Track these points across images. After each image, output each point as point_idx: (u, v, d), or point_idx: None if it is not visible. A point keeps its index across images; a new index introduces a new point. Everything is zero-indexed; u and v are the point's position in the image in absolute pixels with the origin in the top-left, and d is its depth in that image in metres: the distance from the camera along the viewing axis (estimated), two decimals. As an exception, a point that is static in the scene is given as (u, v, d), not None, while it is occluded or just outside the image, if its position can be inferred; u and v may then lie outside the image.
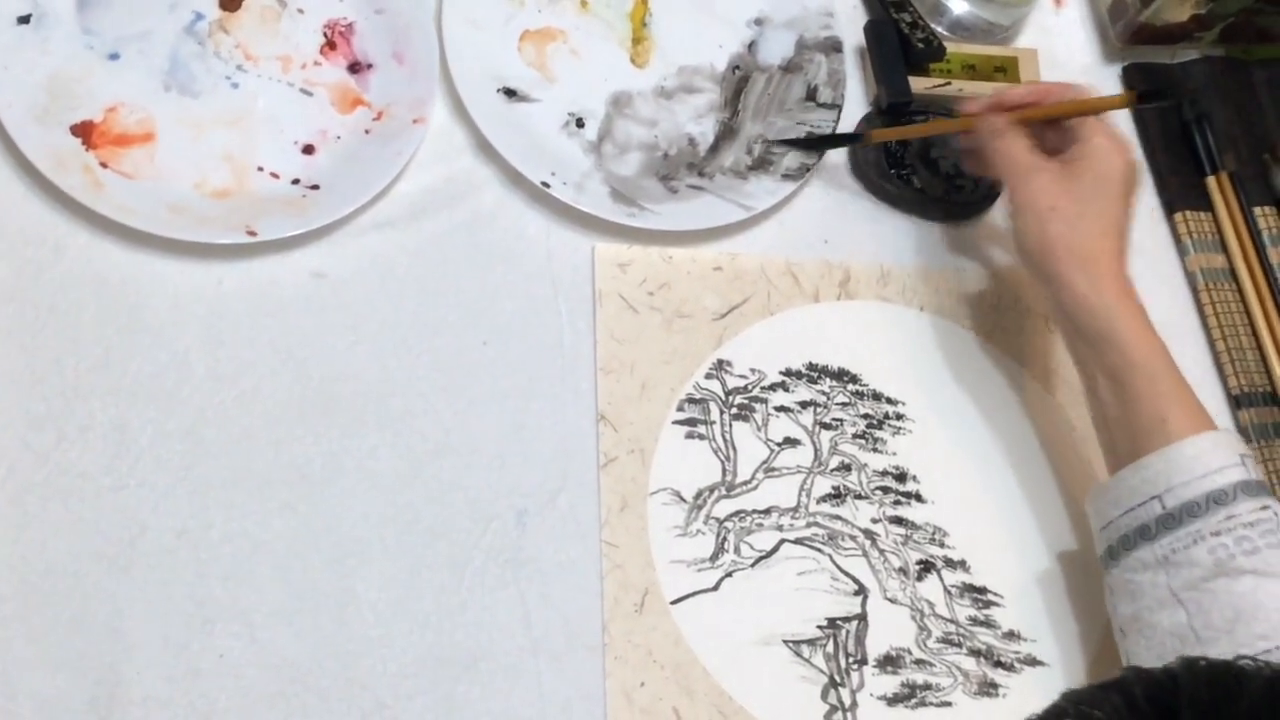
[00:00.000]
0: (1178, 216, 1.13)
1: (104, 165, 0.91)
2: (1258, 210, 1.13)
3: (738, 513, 0.94)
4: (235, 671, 0.82)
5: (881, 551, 0.95)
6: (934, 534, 0.96)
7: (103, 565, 0.82)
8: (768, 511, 0.94)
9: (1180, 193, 1.14)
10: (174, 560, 0.83)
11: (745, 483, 0.95)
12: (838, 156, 1.08)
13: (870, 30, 1.10)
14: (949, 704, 0.92)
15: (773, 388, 0.98)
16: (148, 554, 0.83)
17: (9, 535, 0.82)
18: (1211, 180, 1.14)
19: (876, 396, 1.00)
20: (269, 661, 0.83)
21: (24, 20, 0.93)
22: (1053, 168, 0.93)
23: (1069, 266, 0.90)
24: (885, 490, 0.97)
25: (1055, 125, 0.96)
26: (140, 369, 0.88)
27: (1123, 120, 1.17)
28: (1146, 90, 0.83)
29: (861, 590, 0.94)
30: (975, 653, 0.94)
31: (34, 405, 0.85)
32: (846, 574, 0.94)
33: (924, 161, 1.07)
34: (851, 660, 0.91)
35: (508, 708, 0.85)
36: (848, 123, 1.08)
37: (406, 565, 0.87)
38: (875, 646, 0.92)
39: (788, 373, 0.99)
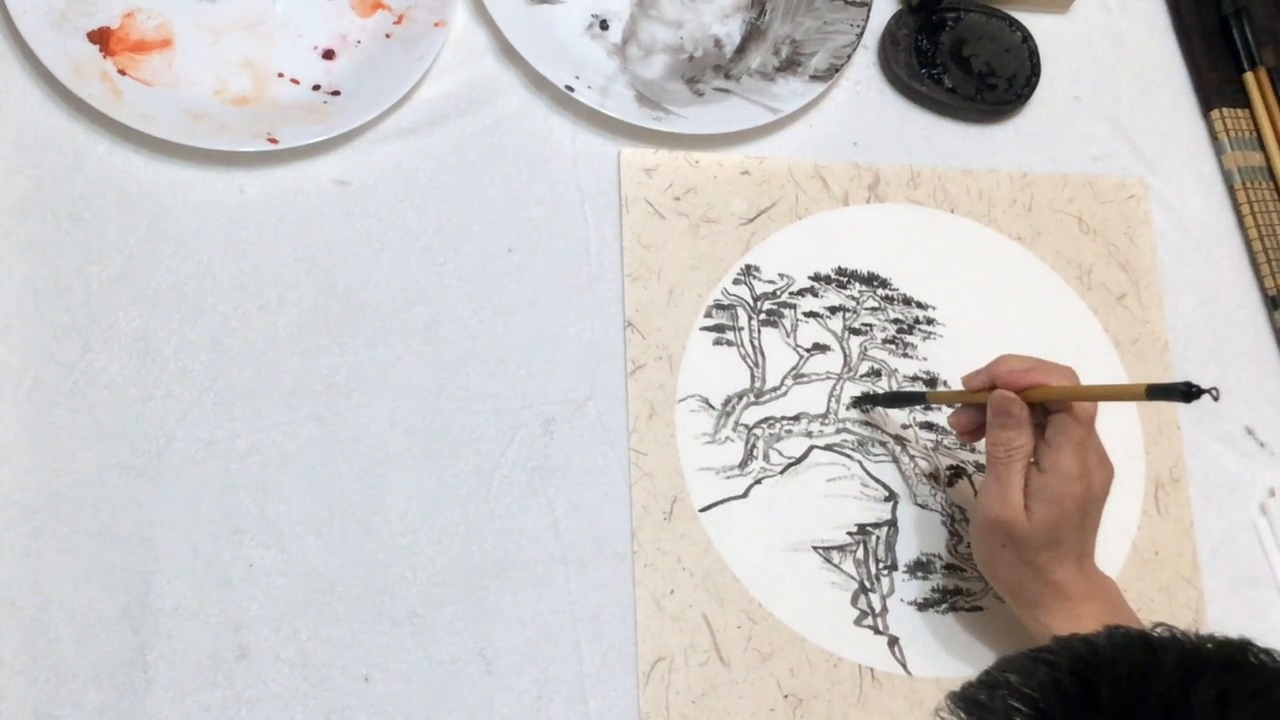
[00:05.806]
0: (1214, 113, 1.11)
1: (122, 72, 0.90)
2: (1298, 107, 1.11)
3: (767, 419, 0.93)
4: (265, 581, 0.82)
5: (912, 457, 0.94)
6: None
7: (130, 476, 0.82)
8: (797, 418, 0.94)
9: (1217, 89, 1.12)
10: (202, 470, 0.83)
11: (774, 389, 0.94)
12: (868, 56, 1.06)
13: (900, -75, 1.07)
14: (979, 609, 0.91)
15: (801, 293, 0.97)
16: (175, 465, 0.83)
17: (37, 446, 0.82)
18: (1250, 76, 1.12)
19: (907, 301, 0.99)
20: (298, 570, 0.83)
21: (37, -76, 0.92)
22: (1020, 516, 0.82)
23: (1012, 599, 0.85)
24: (915, 395, 0.96)
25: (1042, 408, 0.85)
26: (163, 279, 0.87)
27: (1158, 10, 1.15)
28: (1156, 386, 0.78)
29: (891, 496, 0.93)
30: (1006, 558, 0.93)
31: (58, 316, 0.85)
32: (876, 480, 0.93)
33: (956, 60, 1.05)
34: (881, 566, 0.91)
35: (537, 615, 0.85)
36: (877, 21, 1.05)
37: (434, 474, 0.87)
38: (905, 552, 0.92)
39: (816, 277, 0.98)
